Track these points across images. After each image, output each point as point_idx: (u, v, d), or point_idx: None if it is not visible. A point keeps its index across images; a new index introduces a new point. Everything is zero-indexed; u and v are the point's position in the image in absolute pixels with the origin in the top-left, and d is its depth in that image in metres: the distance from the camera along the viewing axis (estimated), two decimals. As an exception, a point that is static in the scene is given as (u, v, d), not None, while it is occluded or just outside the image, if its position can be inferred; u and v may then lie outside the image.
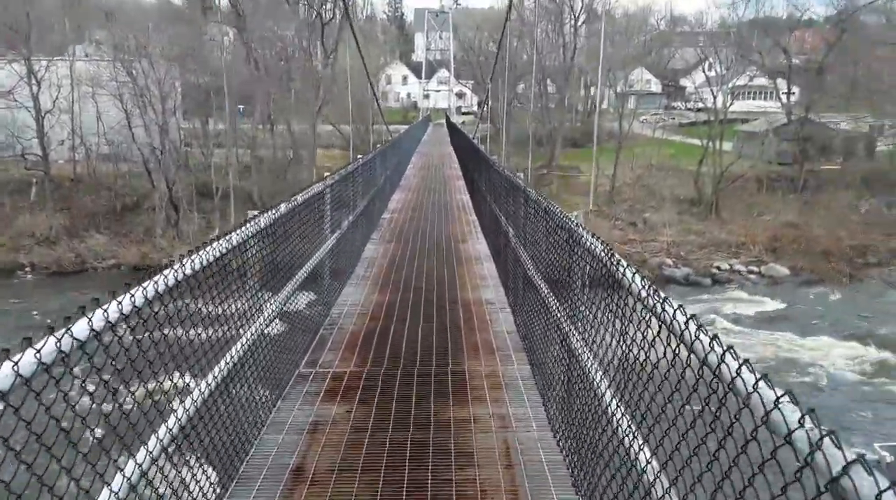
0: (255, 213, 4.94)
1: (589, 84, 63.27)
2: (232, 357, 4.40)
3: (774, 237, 38.20)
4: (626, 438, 3.07)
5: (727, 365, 2.00)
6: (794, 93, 52.60)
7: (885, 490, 1.32)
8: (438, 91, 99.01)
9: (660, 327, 2.69)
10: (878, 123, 49.47)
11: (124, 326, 2.68)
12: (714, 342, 2.16)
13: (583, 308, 4.26)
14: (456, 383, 5.84)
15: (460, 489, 4.19)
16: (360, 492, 4.15)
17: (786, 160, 47.16)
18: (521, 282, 7.30)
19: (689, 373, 2.34)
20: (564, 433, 4.61)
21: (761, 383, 1.81)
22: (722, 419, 2.03)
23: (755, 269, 35.80)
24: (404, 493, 4.14)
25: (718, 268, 35.77)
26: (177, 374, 3.51)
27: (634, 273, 3.13)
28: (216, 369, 4.10)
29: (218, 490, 4.08)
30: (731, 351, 2.07)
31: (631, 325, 3.10)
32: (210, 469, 3.99)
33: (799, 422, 1.60)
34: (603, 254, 3.48)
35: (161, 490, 3.18)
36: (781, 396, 1.71)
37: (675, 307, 2.55)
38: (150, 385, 3.08)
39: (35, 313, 28.38)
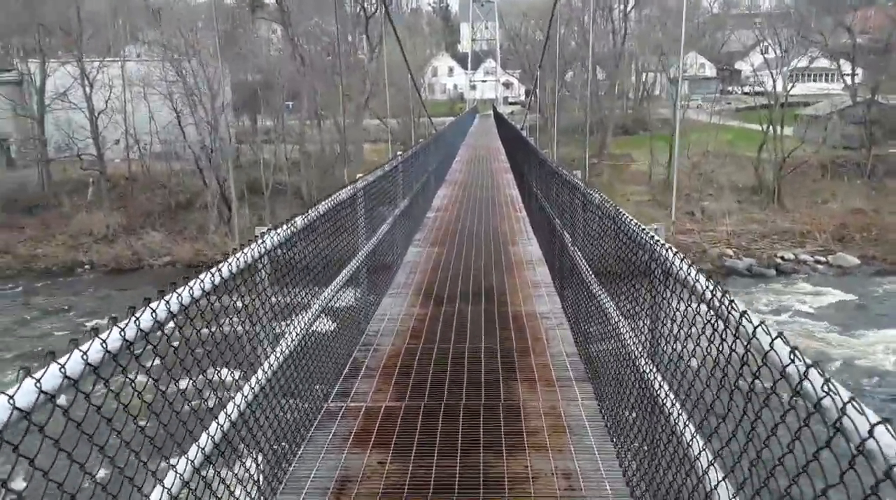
0: (264, 229, 4.12)
1: (640, 69, 61.52)
2: (237, 406, 3.60)
3: (842, 225, 36.13)
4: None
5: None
6: (857, 74, 50.09)
7: None
8: (485, 82, 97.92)
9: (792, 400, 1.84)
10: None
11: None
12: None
13: (668, 349, 3.35)
14: (509, 423, 4.94)
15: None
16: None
17: (852, 144, 44.78)
18: (580, 296, 6.37)
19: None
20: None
21: None
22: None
23: (822, 259, 33.79)
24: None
25: (783, 258, 33.90)
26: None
27: (757, 326, 2.21)
28: (213, 427, 3.31)
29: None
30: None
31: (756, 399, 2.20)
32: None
33: None
34: (710, 293, 2.54)
35: None
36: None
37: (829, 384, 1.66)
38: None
39: (95, 309, 28.48)
